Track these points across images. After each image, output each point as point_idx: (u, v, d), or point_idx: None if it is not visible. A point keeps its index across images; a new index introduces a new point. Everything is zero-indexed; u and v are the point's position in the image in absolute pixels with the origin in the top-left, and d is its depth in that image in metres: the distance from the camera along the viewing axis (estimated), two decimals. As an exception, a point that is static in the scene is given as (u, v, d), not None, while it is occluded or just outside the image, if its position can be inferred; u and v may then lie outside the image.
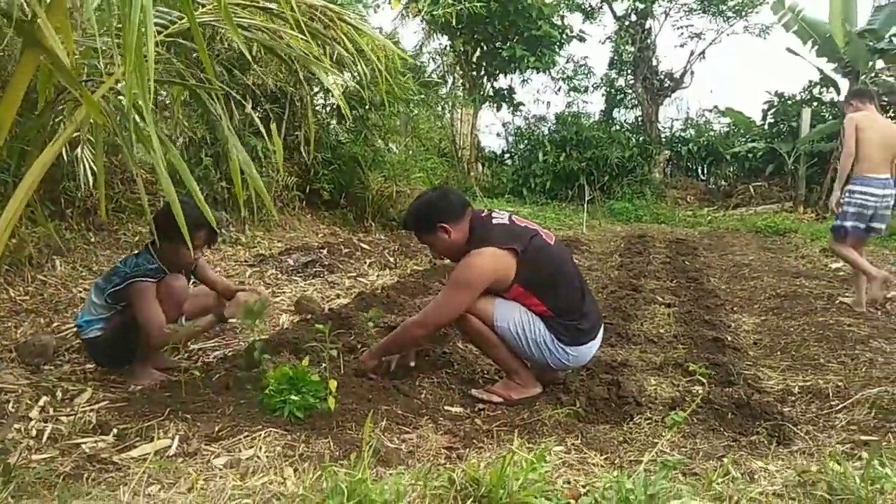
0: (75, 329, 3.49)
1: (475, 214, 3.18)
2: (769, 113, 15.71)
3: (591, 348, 3.21)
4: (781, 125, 15.40)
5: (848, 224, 5.14)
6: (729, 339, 4.15)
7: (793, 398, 3.18)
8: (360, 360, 3.29)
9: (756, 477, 2.09)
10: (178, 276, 3.38)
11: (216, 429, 2.52)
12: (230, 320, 3.40)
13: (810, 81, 15.17)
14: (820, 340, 4.12)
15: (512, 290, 3.06)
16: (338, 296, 5.48)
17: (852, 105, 5.47)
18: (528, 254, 3.03)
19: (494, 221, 3.14)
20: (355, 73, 3.59)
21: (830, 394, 3.14)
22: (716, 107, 17.23)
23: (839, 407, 2.98)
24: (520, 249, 3.01)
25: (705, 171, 17.16)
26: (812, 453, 2.49)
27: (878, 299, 5.09)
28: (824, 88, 15.02)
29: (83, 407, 2.85)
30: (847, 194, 5.17)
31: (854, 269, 5.22)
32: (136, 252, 3.49)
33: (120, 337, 3.25)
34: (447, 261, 7.03)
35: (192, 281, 3.60)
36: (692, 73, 16.91)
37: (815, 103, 14.99)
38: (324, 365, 3.12)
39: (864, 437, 2.64)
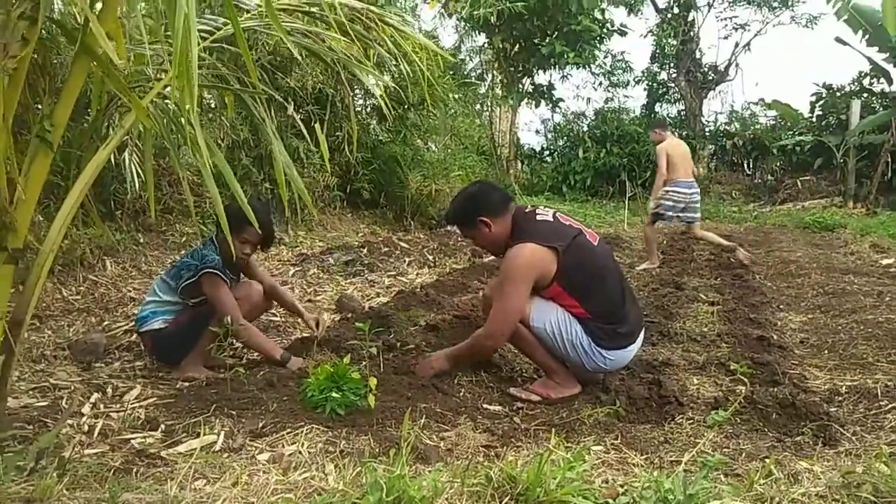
0: (135, 322, 3.61)
1: (519, 210, 3.18)
2: (817, 105, 15.33)
3: (630, 352, 3.18)
4: (830, 117, 15.01)
5: (662, 213, 7.22)
6: (774, 337, 4.07)
7: (840, 398, 3.11)
8: (422, 366, 3.22)
9: (800, 478, 2.05)
10: (255, 283, 3.55)
11: (260, 425, 2.57)
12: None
13: (860, 72, 14.77)
14: (868, 339, 4.01)
15: (550, 290, 3.05)
16: (378, 294, 5.53)
17: (657, 132, 7.53)
18: (571, 252, 3.00)
19: (538, 218, 3.13)
20: (395, 74, 3.63)
21: (879, 394, 3.05)
22: (761, 99, 16.87)
23: (888, 407, 2.90)
24: (561, 248, 2.99)
25: (751, 166, 16.80)
26: (859, 454, 2.42)
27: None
28: (875, 79, 14.59)
29: (132, 403, 2.94)
30: (664, 193, 7.15)
31: (647, 247, 7.46)
32: (202, 245, 3.61)
33: (185, 333, 3.37)
34: (486, 259, 7.05)
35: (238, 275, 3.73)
36: (737, 65, 16.62)
37: (865, 94, 14.56)
38: (364, 363, 3.17)
39: (914, 439, 2.56)
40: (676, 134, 16.03)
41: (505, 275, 3.04)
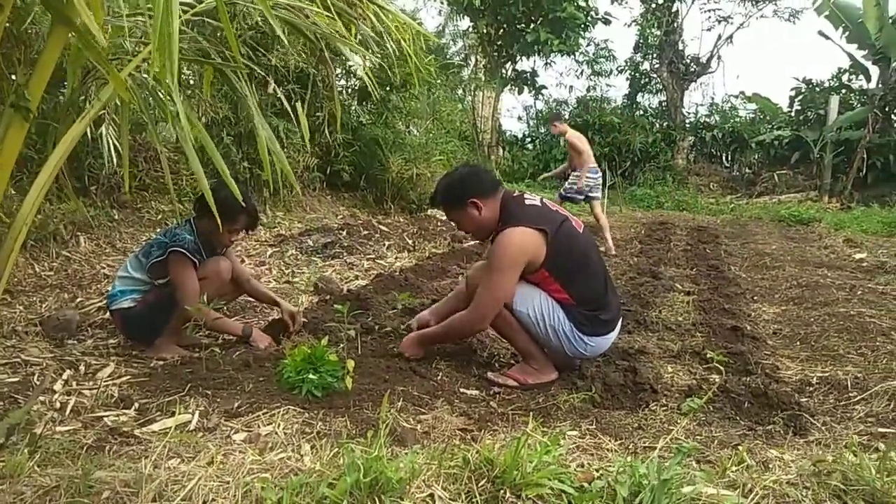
0: (105, 300, 3.55)
1: (507, 194, 3.17)
2: (796, 100, 15.50)
3: (609, 340, 3.21)
4: (809, 112, 15.19)
5: (574, 196, 8.06)
6: (748, 328, 4.13)
7: (811, 389, 3.16)
8: (406, 344, 3.27)
9: (771, 466, 2.09)
10: (223, 259, 3.46)
11: (235, 405, 2.56)
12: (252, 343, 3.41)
13: (839, 68, 14.95)
14: (840, 331, 4.09)
15: (537, 275, 3.05)
16: (356, 277, 5.51)
17: (557, 125, 8.23)
18: (559, 238, 3.01)
19: (527, 202, 3.13)
20: (379, 54, 3.59)
21: (849, 385, 3.11)
22: (742, 92, 17.05)
23: (857, 399, 2.95)
24: (551, 231, 2.99)
25: (729, 159, 16.99)
26: (828, 444, 2.48)
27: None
28: (854, 75, 14.77)
29: (105, 381, 2.90)
30: (574, 178, 8.00)
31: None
32: (176, 225, 3.55)
33: (152, 312, 3.32)
34: (466, 244, 7.03)
35: None
36: (719, 57, 16.75)
37: (843, 91, 14.74)
38: (342, 345, 3.16)
39: (881, 430, 2.62)
40: (651, 126, 16.18)
41: (496, 258, 3.01)
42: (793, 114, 15.59)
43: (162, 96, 2.63)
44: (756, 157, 16.23)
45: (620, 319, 3.29)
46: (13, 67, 3.41)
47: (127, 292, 3.40)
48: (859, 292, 5.22)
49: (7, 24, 2.33)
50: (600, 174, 8.21)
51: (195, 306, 3.16)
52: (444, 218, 3.78)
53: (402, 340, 3.33)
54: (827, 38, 13.50)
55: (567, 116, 16.94)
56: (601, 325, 3.11)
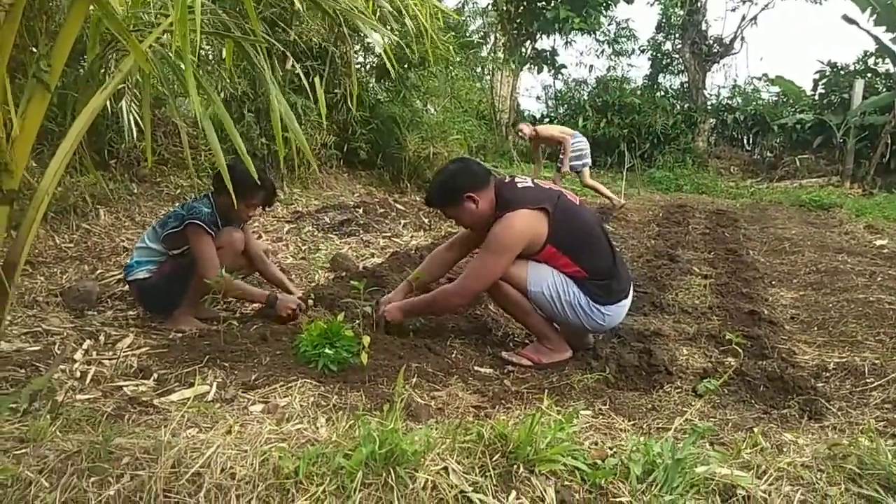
0: (123, 272, 3.60)
1: (499, 181, 3.17)
2: (820, 83, 15.22)
3: (624, 307, 3.21)
4: (832, 96, 14.92)
5: (579, 166, 8.81)
6: (765, 312, 4.10)
7: (827, 374, 3.14)
8: (385, 311, 3.25)
9: (785, 449, 2.08)
10: (236, 229, 3.47)
11: (253, 377, 2.59)
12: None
13: (865, 52, 14.64)
14: (859, 318, 4.05)
15: (544, 252, 3.05)
16: (372, 255, 5.53)
17: (525, 129, 9.27)
18: (559, 212, 3.01)
19: (520, 185, 3.12)
20: (397, 31, 3.57)
21: (866, 371, 3.08)
22: (765, 75, 16.76)
23: (874, 385, 2.93)
24: (550, 208, 2.99)
25: (751, 142, 16.76)
26: (844, 429, 2.46)
27: None
28: (880, 59, 14.48)
29: (125, 351, 2.95)
30: (571, 148, 8.72)
31: (601, 192, 8.99)
32: (195, 198, 3.58)
33: (168, 283, 3.36)
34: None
35: None
36: (742, 38, 16.45)
37: (868, 74, 14.45)
38: (358, 321, 3.18)
39: (898, 416, 2.60)
40: (672, 108, 15.99)
41: (494, 241, 2.99)
42: (816, 97, 15.33)
43: (183, 70, 2.63)
44: (778, 140, 15.99)
45: (632, 287, 3.29)
46: (35, 39, 3.43)
47: (143, 263, 3.44)
48: (879, 278, 5.16)
49: (29, -5, 2.34)
50: (584, 140, 8.95)
51: (214, 278, 3.19)
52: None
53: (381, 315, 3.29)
54: (852, 22, 13.21)
55: (586, 97, 16.79)
56: (615, 293, 3.11)
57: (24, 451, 1.68)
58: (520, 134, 9.58)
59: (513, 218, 2.97)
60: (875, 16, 12.86)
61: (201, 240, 3.33)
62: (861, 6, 12.95)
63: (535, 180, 3.22)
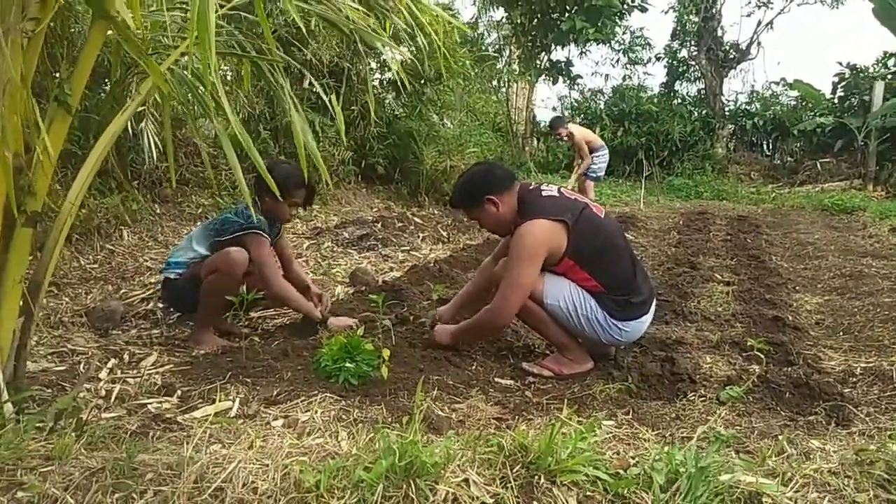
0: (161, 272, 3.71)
1: (524, 187, 3.16)
2: (839, 86, 15.02)
3: (644, 323, 3.17)
4: (852, 99, 14.72)
5: (597, 175, 9.39)
6: (790, 318, 4.05)
7: (854, 379, 3.09)
8: (436, 337, 3.29)
9: (812, 456, 2.05)
10: (238, 250, 3.37)
11: (274, 392, 2.61)
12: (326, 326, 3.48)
13: (885, 52, 14.43)
14: (885, 322, 3.98)
15: (562, 264, 3.04)
16: (391, 269, 5.55)
17: (561, 130, 9.18)
18: (580, 225, 3.00)
19: (544, 194, 3.12)
20: (412, 47, 3.60)
21: (894, 376, 3.03)
22: (783, 79, 16.53)
23: (903, 389, 2.88)
24: (571, 221, 2.98)
25: (770, 147, 16.57)
26: (872, 435, 2.42)
27: None
28: (901, 60, 14.29)
29: (149, 369, 2.98)
30: (595, 160, 9.11)
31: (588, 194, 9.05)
32: (236, 208, 3.59)
33: (188, 286, 3.40)
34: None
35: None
36: (759, 43, 16.31)
37: (889, 76, 14.25)
38: (378, 335, 3.19)
39: (929, 421, 2.55)
40: (689, 115, 15.88)
41: (517, 251, 3.00)
42: (836, 100, 15.14)
43: (202, 91, 2.67)
44: (798, 145, 15.79)
45: (654, 302, 3.25)
46: (57, 64, 3.51)
47: (182, 264, 3.49)
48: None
49: (51, 24, 2.40)
50: (605, 152, 9.30)
51: (283, 289, 3.40)
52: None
53: (433, 333, 3.34)
54: (880, 20, 13.03)
55: (602, 106, 16.75)
56: (633, 308, 3.08)
57: (50, 468, 1.70)
58: (560, 139, 9.95)
59: (532, 226, 2.97)
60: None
61: (263, 248, 3.38)
62: (881, 6, 12.81)
63: (562, 189, 3.22)
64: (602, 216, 3.17)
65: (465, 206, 3.24)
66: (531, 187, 3.18)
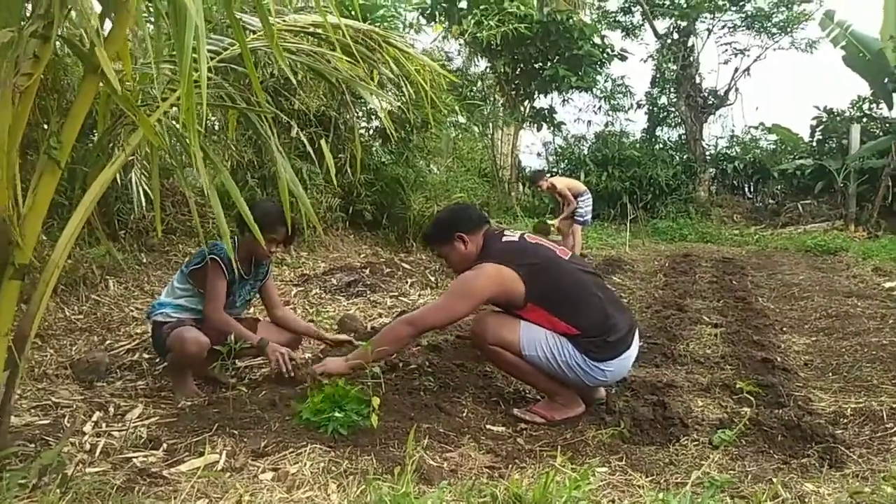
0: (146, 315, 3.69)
1: (489, 231, 3.22)
2: (817, 129, 15.39)
3: (628, 359, 3.12)
4: (830, 142, 15.08)
5: (584, 220, 9.37)
6: (778, 359, 4.06)
7: (845, 420, 3.09)
8: (328, 366, 3.12)
9: (807, 500, 2.04)
10: (192, 330, 3.34)
11: (262, 444, 2.56)
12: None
13: (859, 96, 14.82)
14: (873, 361, 4.00)
15: (532, 312, 3.02)
16: (380, 315, 5.52)
17: (542, 182, 9.52)
18: (538, 271, 3.01)
19: (504, 239, 3.16)
20: (400, 96, 3.66)
21: (885, 416, 3.03)
22: (762, 123, 16.93)
23: (894, 429, 2.88)
24: (524, 268, 2.99)
25: (752, 190, 16.85)
26: (866, 477, 2.41)
27: None
28: (874, 104, 14.67)
29: (134, 422, 2.93)
30: (579, 205, 9.19)
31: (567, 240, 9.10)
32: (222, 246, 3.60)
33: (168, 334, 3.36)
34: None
35: (257, 286, 3.75)
36: (737, 89, 16.69)
37: (864, 119, 14.62)
38: (366, 382, 3.15)
39: (921, 462, 2.54)
40: (671, 159, 16.16)
41: (460, 284, 3.09)
42: (814, 143, 15.48)
43: (189, 141, 2.69)
44: (779, 187, 16.07)
45: (636, 334, 3.19)
46: (47, 116, 3.53)
47: (165, 305, 3.50)
48: (891, 321, 5.12)
49: (42, 76, 2.42)
50: (589, 196, 9.41)
51: (219, 316, 3.35)
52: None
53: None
54: (852, 68, 13.43)
55: (586, 151, 16.99)
56: (612, 347, 3.02)
57: (32, 527, 1.66)
58: (540, 189, 9.99)
59: (482, 269, 3.02)
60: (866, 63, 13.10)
61: (217, 275, 3.39)
62: (851, 55, 13.22)
63: (525, 234, 3.25)
64: (566, 258, 3.18)
65: (436, 241, 3.32)
66: (496, 231, 3.24)
